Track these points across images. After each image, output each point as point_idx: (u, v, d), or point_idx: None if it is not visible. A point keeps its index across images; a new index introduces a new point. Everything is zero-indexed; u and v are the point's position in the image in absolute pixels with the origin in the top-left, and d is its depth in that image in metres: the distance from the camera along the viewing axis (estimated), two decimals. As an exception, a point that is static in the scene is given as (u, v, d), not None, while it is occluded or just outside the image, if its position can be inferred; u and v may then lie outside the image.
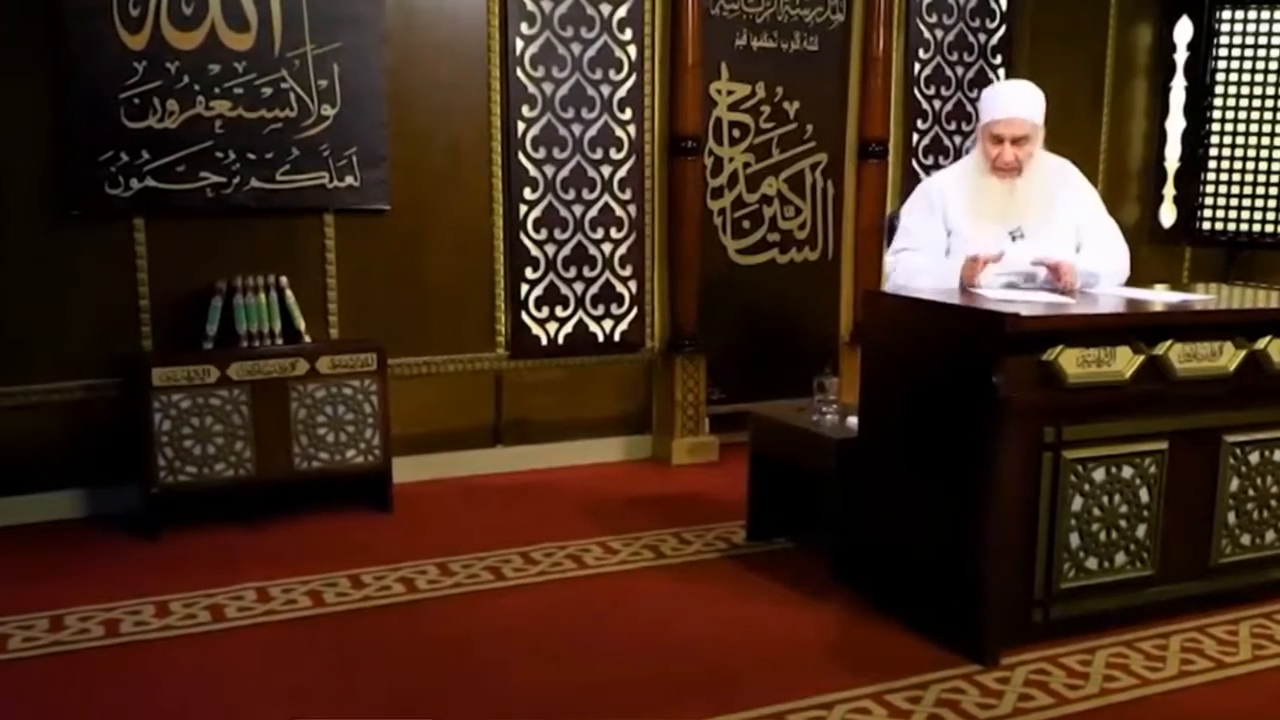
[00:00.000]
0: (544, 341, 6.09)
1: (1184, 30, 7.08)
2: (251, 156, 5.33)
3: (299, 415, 5.19)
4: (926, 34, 6.84)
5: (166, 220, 5.25)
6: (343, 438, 5.27)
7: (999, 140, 4.43)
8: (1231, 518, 4.24)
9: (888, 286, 4.63)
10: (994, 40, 7.02)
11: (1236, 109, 6.98)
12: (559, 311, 6.09)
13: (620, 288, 6.21)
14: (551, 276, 6.05)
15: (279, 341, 5.28)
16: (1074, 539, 3.94)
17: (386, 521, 5.30)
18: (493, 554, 4.83)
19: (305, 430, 5.21)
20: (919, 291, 4.30)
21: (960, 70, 6.94)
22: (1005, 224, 4.44)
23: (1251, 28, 6.92)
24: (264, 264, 5.34)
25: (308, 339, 5.37)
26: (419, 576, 4.59)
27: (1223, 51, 6.97)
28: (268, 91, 5.33)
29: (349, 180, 5.52)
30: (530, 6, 5.81)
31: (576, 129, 6.00)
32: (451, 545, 4.92)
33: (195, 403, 5.01)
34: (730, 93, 6.37)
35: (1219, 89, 7.00)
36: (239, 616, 4.20)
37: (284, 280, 5.32)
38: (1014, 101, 4.49)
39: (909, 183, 6.83)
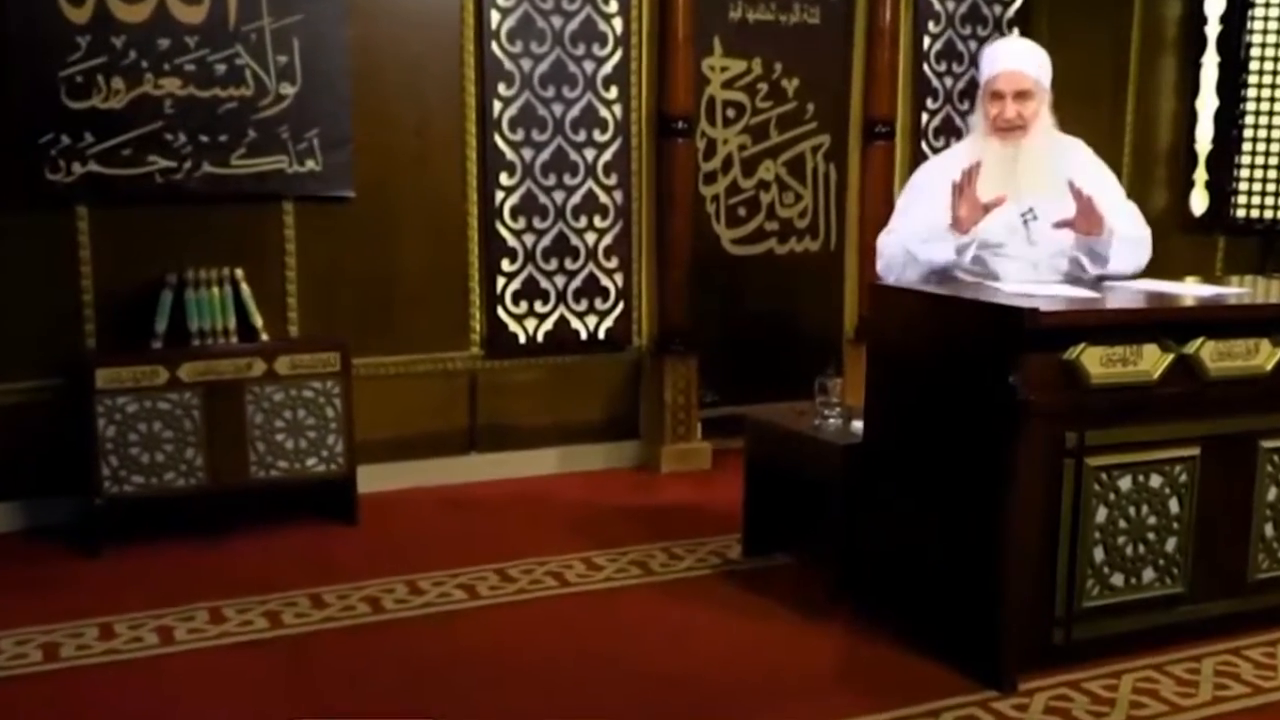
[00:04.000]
0: (522, 340, 6.07)
1: (1216, 1, 7.07)
2: (204, 139, 5.31)
3: (255, 420, 5.16)
4: (937, 6, 6.83)
5: (112, 208, 5.23)
6: (303, 444, 5.25)
7: (999, 97, 4.42)
8: (1269, 530, 4.22)
9: (879, 267, 4.63)
10: (1010, 12, 7.01)
11: (1274, 86, 6.96)
12: (539, 307, 6.08)
13: (605, 281, 6.20)
14: (530, 269, 6.03)
15: (234, 340, 5.25)
16: (1098, 553, 3.92)
17: (351, 535, 5.28)
18: (466, 571, 4.81)
19: (262, 436, 5.18)
20: (929, 285, 4.29)
21: (973, 45, 6.92)
22: (1012, 199, 4.37)
23: (1289, -2, 6.92)
24: (217, 255, 5.31)
25: (265, 337, 5.34)
26: (386, 595, 4.56)
27: (1258, 25, 6.94)
28: (222, 68, 5.31)
29: (310, 164, 5.50)
30: (507, -25, 5.82)
31: (557, 109, 5.98)
32: (421, 561, 4.89)
33: (143, 406, 4.99)
34: (724, 69, 6.36)
35: (1254, 65, 6.97)
36: (189, 639, 4.17)
37: (239, 273, 5.29)
38: (1013, 55, 4.52)
39: (918, 166, 6.82)
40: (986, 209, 4.29)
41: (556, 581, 4.73)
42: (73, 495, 5.10)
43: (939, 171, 4.58)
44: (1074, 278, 4.43)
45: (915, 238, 4.46)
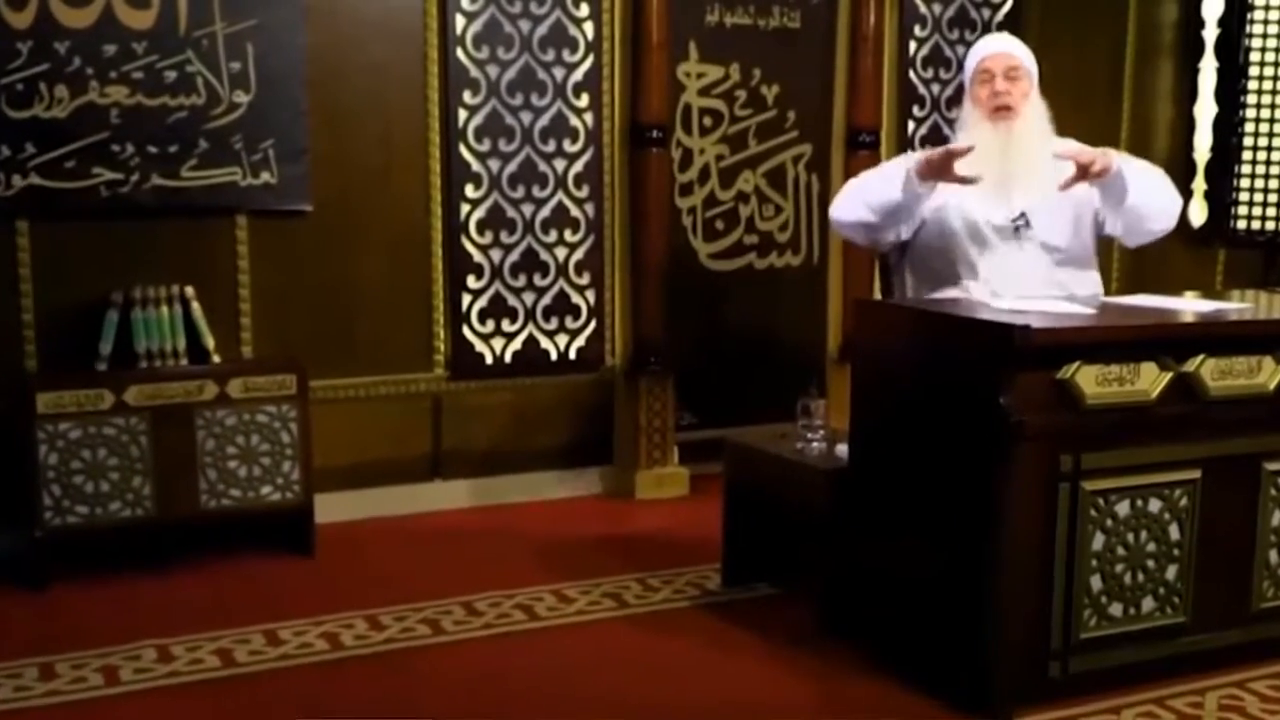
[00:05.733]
0: (489, 360, 6.05)
1: (1214, 4, 7.10)
2: (153, 150, 5.28)
3: (206, 446, 5.13)
4: (923, 9, 6.86)
5: (54, 223, 5.19)
6: (257, 472, 5.22)
7: (989, 78, 4.52)
8: (1274, 556, 4.22)
9: (831, 210, 4.78)
10: (999, 16, 7.03)
11: (1274, 92, 7.01)
12: (506, 326, 6.06)
13: (576, 298, 6.19)
14: (497, 286, 6.02)
15: (183, 361, 5.22)
16: (1095, 582, 3.91)
17: (307, 567, 5.25)
18: (430, 604, 4.79)
19: (214, 463, 5.15)
20: (918, 302, 4.30)
21: (961, 50, 6.94)
22: (1002, 186, 4.43)
23: (1290, 0, 6.96)
24: (167, 273, 5.28)
25: (216, 358, 5.31)
26: (345, 631, 4.53)
27: (1258, 28, 6.99)
28: (171, 76, 5.28)
29: (265, 177, 5.48)
30: (473, -22, 5.82)
31: (525, 117, 5.98)
32: (382, 595, 4.86)
33: (87, 432, 4.95)
34: (701, 76, 6.36)
35: (1254, 70, 7.02)
36: (136, 679, 4.13)
37: (190, 291, 5.26)
38: (999, 40, 4.75)
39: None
40: (957, 175, 4.32)
41: (526, 615, 4.71)
42: (11, 527, 5.05)
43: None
44: (1069, 293, 4.45)
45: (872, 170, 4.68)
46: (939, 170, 4.31)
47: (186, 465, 5.11)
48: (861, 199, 4.55)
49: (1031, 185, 4.41)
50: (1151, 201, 4.48)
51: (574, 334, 6.21)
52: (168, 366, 5.17)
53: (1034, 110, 4.51)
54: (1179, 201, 4.60)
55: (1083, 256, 4.60)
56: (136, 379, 5.05)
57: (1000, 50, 4.58)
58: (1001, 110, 4.46)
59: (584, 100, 6.08)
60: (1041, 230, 4.45)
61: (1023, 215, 4.41)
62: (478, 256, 5.96)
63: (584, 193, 6.14)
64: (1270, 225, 7.09)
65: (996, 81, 4.48)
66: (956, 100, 6.90)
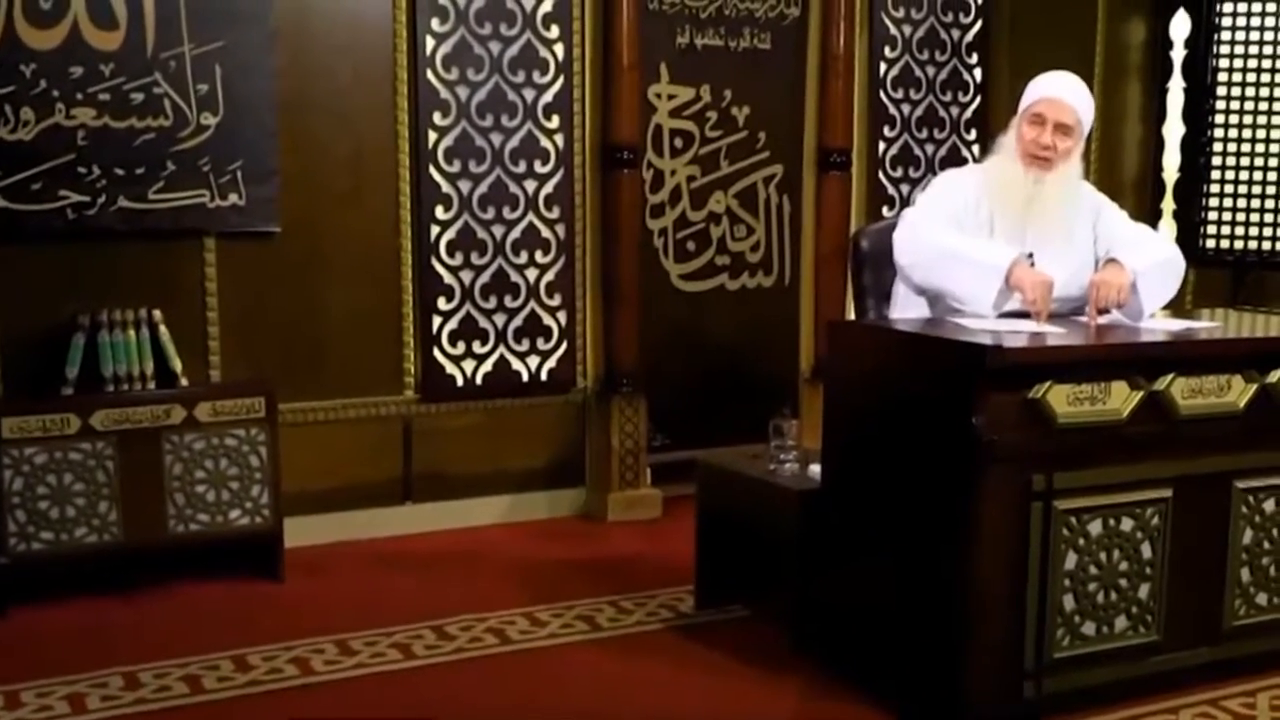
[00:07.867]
0: (460, 382, 6.04)
1: (1181, 25, 7.16)
2: (120, 172, 5.25)
3: (174, 470, 5.11)
4: (893, 30, 6.88)
5: (19, 245, 5.16)
6: (225, 496, 5.20)
7: (1039, 122, 4.43)
8: (1245, 574, 4.24)
9: (902, 238, 4.49)
10: (969, 37, 7.07)
11: (1241, 113, 7.06)
12: (477, 348, 6.05)
13: (547, 320, 6.18)
14: (468, 307, 6.01)
15: (151, 385, 5.19)
16: (1068, 601, 3.92)
17: (277, 592, 5.22)
18: (401, 629, 4.77)
19: (181, 488, 5.12)
20: (890, 322, 4.31)
21: (931, 71, 6.98)
22: (1018, 236, 4.41)
23: (1256, 22, 7.00)
24: (134, 295, 5.25)
25: (184, 382, 5.27)
26: (315, 656, 4.51)
27: (1225, 49, 7.05)
28: (139, 97, 5.26)
29: (233, 198, 5.45)
30: (442, 0, 5.80)
31: (496, 139, 5.98)
32: (353, 619, 4.84)
33: (52, 457, 4.92)
34: (671, 97, 6.37)
35: (1221, 90, 7.07)
36: (102, 707, 4.10)
37: (157, 314, 5.23)
38: (1064, 86, 4.51)
39: (875, 197, 6.87)
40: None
41: (497, 639, 4.69)
42: (-23, 553, 5.03)
43: (966, 189, 4.56)
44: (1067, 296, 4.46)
45: (966, 242, 4.40)
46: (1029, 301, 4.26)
47: (154, 490, 5.08)
48: (945, 277, 4.37)
49: (1045, 235, 4.39)
50: (1158, 301, 4.52)
51: (545, 355, 6.20)
52: (135, 390, 5.13)
53: (1070, 169, 4.45)
54: (1180, 276, 4.61)
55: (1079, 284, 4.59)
56: (103, 403, 5.02)
57: (1060, 97, 4.44)
58: (1039, 160, 4.44)
59: (555, 122, 6.08)
60: (1044, 266, 4.42)
61: (1030, 256, 4.38)
62: (448, 278, 5.95)
63: (555, 214, 6.13)
64: (1239, 244, 7.15)
65: (1045, 133, 4.39)
66: (926, 120, 6.96)
